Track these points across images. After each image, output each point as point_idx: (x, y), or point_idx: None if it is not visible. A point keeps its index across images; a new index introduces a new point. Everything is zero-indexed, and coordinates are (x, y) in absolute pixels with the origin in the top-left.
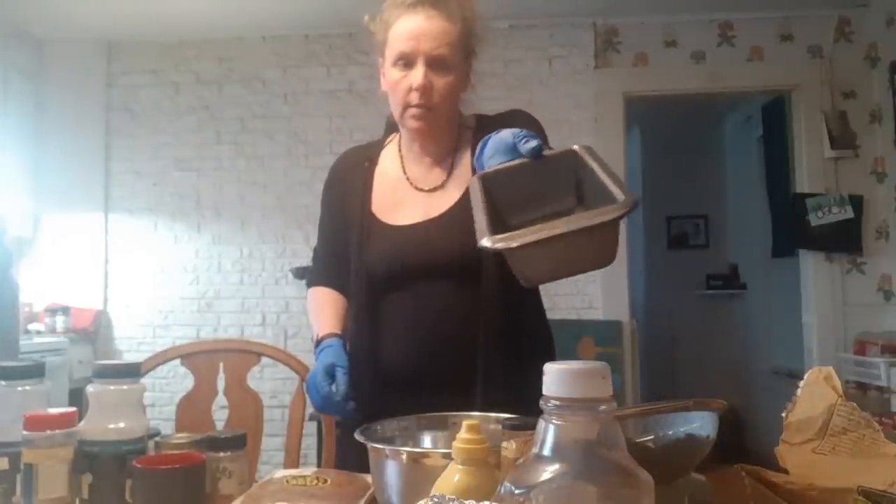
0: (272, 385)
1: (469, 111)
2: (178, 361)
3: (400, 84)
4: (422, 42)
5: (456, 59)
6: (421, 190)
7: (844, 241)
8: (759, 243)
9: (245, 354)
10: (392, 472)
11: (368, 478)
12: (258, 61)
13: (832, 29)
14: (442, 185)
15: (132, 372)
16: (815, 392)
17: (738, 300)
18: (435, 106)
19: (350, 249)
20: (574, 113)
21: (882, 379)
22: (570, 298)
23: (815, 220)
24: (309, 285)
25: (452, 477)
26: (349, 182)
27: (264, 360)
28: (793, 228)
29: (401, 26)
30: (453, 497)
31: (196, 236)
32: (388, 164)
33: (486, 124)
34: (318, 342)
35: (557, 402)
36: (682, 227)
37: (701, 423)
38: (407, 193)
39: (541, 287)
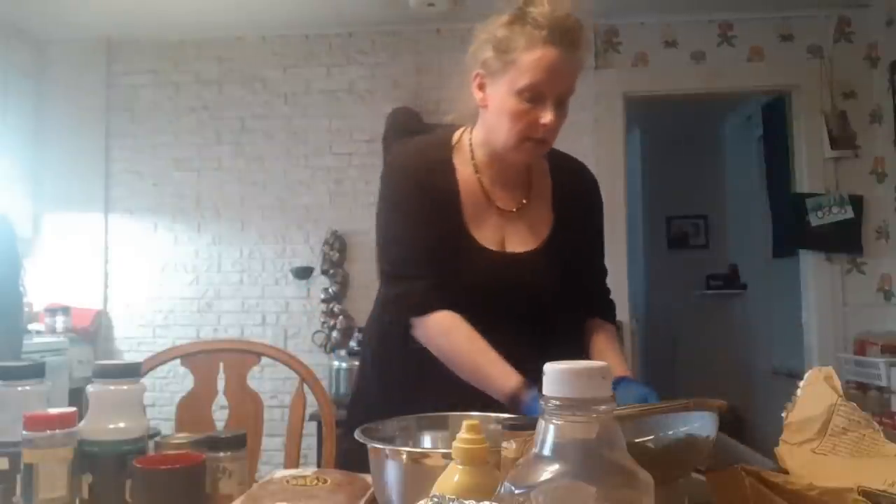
0: (272, 385)
1: (468, 112)
2: (178, 361)
3: (524, 116)
4: (557, 81)
5: (573, 93)
6: (497, 207)
7: (844, 241)
8: (759, 243)
9: (245, 354)
10: (392, 472)
11: (368, 478)
12: (258, 61)
13: (832, 29)
14: (520, 208)
15: (132, 372)
16: (815, 392)
17: (738, 300)
18: (551, 141)
19: (447, 259)
20: (574, 113)
21: (882, 379)
22: None
23: (815, 220)
24: (424, 309)
25: (452, 477)
26: (436, 182)
27: (264, 360)
28: (793, 228)
29: (538, 57)
30: (453, 497)
31: (196, 236)
32: (465, 172)
33: (560, 166)
34: (519, 395)
35: (557, 402)
36: (682, 228)
37: (701, 423)
38: (484, 208)
39: None
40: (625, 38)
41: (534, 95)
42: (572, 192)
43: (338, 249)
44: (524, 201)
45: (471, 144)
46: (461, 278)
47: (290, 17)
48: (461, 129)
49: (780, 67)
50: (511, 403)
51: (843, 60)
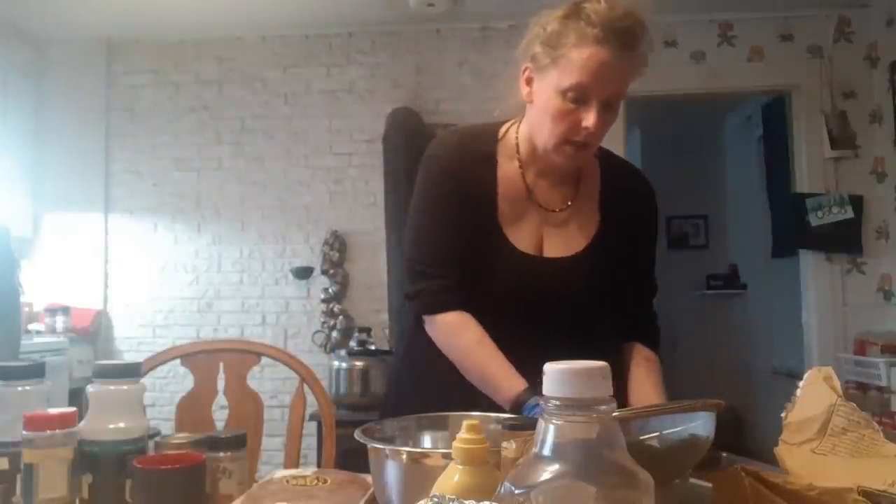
0: (272, 385)
1: (473, 112)
2: (178, 361)
3: (566, 117)
4: (605, 83)
5: (624, 97)
6: (539, 206)
7: (844, 241)
8: (759, 243)
9: (245, 354)
10: (392, 472)
11: (368, 478)
12: (258, 61)
13: (832, 29)
14: (564, 210)
15: (132, 372)
16: (815, 392)
17: (738, 300)
18: (594, 145)
19: (472, 259)
20: None
21: (882, 379)
22: None
23: (815, 220)
24: (437, 308)
25: (452, 477)
26: (471, 179)
27: (264, 360)
28: (793, 228)
29: (586, 56)
30: (453, 497)
31: (196, 236)
32: (508, 168)
33: (612, 171)
34: (522, 401)
35: (557, 402)
36: (682, 227)
37: (700, 424)
38: (525, 206)
39: None
40: None
41: (578, 96)
42: (623, 198)
43: (338, 249)
44: (569, 203)
45: (517, 139)
46: (490, 280)
47: (290, 17)
48: (509, 123)
49: (780, 67)
50: (513, 410)
51: (843, 60)
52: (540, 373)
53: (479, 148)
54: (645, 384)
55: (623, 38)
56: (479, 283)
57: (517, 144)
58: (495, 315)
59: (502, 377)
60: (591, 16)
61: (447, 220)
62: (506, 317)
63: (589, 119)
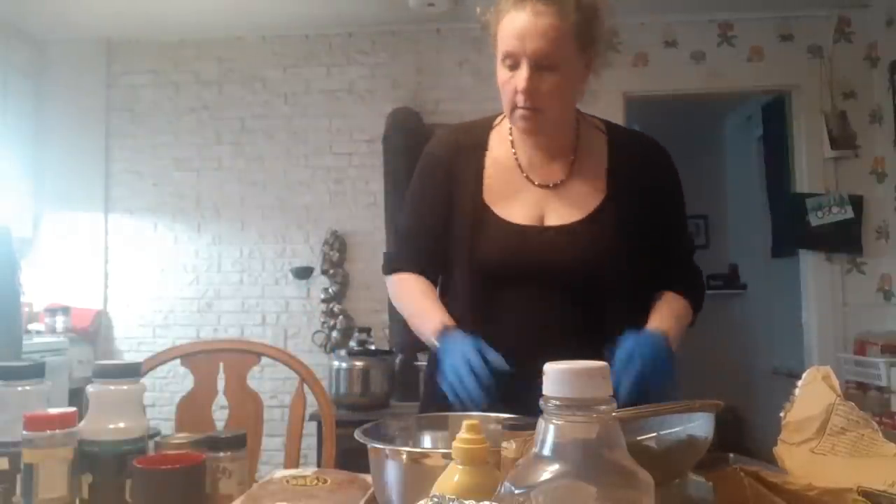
0: (272, 385)
1: (473, 112)
2: (178, 361)
3: (507, 84)
4: (527, 42)
5: (566, 56)
6: (535, 183)
7: (844, 241)
8: (759, 243)
9: (245, 354)
10: (392, 472)
11: (368, 478)
12: (258, 61)
13: (832, 29)
14: (561, 184)
15: (132, 372)
16: (814, 392)
17: (738, 300)
18: (542, 108)
19: (457, 238)
20: None
21: (882, 379)
22: None
23: (815, 220)
24: (391, 270)
25: (452, 477)
26: (458, 167)
27: (264, 360)
28: (793, 228)
29: (508, 23)
30: (453, 497)
31: (196, 236)
32: (500, 151)
33: (620, 140)
34: (441, 332)
35: (557, 402)
36: None
37: (700, 424)
38: (520, 185)
39: None
40: (625, 38)
41: (511, 62)
42: (634, 166)
43: (338, 249)
44: (561, 177)
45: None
46: (484, 252)
47: (290, 17)
48: None
49: (780, 67)
50: (438, 340)
51: (843, 60)
52: (541, 336)
53: (469, 138)
54: (659, 307)
55: None
56: (474, 255)
57: (511, 129)
58: (496, 284)
59: (430, 311)
60: None
61: (424, 201)
62: (505, 285)
63: (518, 81)
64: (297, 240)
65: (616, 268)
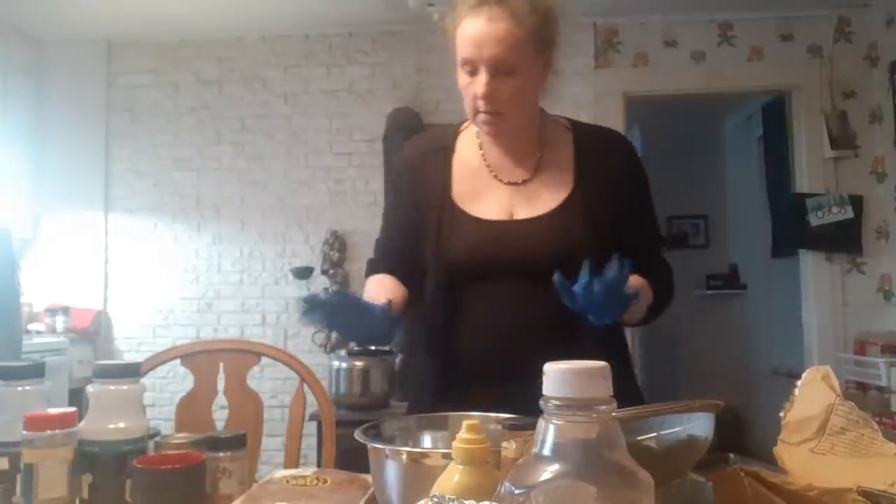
0: (272, 385)
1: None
2: (178, 361)
3: (467, 90)
4: (484, 48)
5: (524, 60)
6: (504, 182)
7: (844, 241)
8: (759, 243)
9: (245, 354)
10: (392, 472)
11: (368, 478)
12: (258, 61)
13: (832, 29)
14: (528, 181)
15: (132, 372)
16: (814, 392)
17: (738, 300)
18: (503, 111)
19: (427, 238)
20: (574, 113)
21: (882, 379)
22: None
23: (815, 220)
24: (368, 274)
25: (452, 477)
26: (425, 170)
27: (264, 360)
28: (793, 228)
29: (464, 29)
30: (453, 497)
31: (196, 236)
32: (467, 152)
33: (586, 135)
34: None
35: (557, 402)
36: (682, 227)
37: (699, 424)
38: (489, 184)
39: None
40: (625, 38)
41: (470, 68)
42: (599, 159)
43: (338, 249)
44: (528, 174)
45: None
46: (455, 249)
47: (290, 17)
48: None
49: (780, 67)
50: None
51: (843, 60)
52: (515, 331)
53: (435, 142)
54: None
55: (491, 2)
56: (445, 254)
57: (477, 132)
58: (468, 280)
59: (374, 295)
60: None
61: (395, 209)
62: (477, 281)
63: (477, 86)
64: (297, 240)
65: (585, 258)
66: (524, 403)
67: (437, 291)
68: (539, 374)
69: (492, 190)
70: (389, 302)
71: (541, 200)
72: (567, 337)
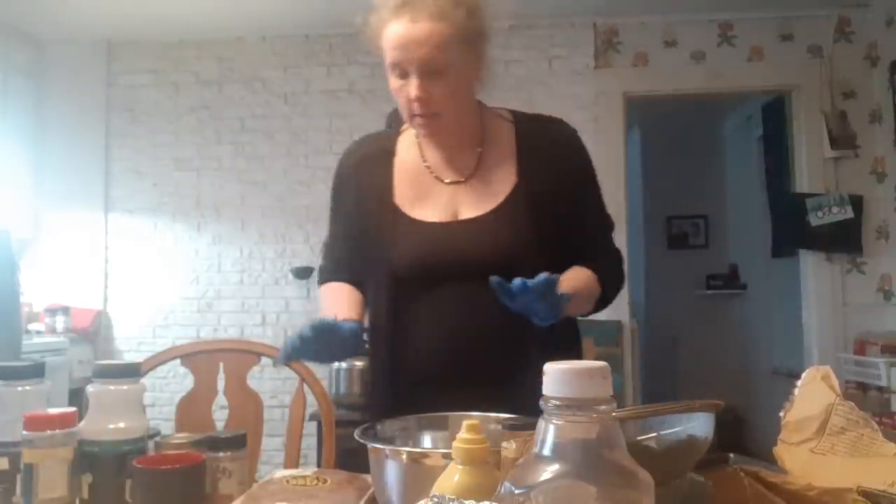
0: (272, 385)
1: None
2: (178, 361)
3: (399, 93)
4: (410, 51)
5: (454, 57)
6: (444, 182)
7: (844, 241)
8: (759, 243)
9: (245, 354)
10: (392, 472)
11: (368, 478)
12: (258, 61)
13: (832, 29)
14: (469, 178)
15: (132, 372)
16: (813, 391)
17: (738, 300)
18: (438, 112)
19: (371, 244)
20: (574, 113)
21: (882, 379)
22: None
23: (815, 220)
24: (321, 282)
25: (452, 477)
26: (366, 173)
27: (264, 360)
28: (793, 228)
29: (388, 33)
30: (453, 497)
31: (196, 236)
32: (407, 154)
33: (527, 126)
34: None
35: (557, 402)
36: (682, 227)
37: (699, 424)
38: (430, 185)
39: None
40: (625, 38)
41: (399, 72)
42: (540, 148)
43: None
44: (470, 171)
45: None
46: (400, 254)
47: (290, 17)
48: None
49: (780, 67)
50: None
51: (843, 60)
52: (464, 335)
53: (376, 146)
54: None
55: (411, 4)
56: (393, 259)
57: (416, 133)
58: (415, 285)
59: (340, 309)
60: None
61: (338, 215)
62: (424, 286)
63: (410, 90)
64: (297, 240)
65: (532, 253)
66: (476, 407)
67: (384, 298)
68: (490, 376)
69: (434, 191)
70: (360, 322)
71: (484, 198)
72: (515, 338)
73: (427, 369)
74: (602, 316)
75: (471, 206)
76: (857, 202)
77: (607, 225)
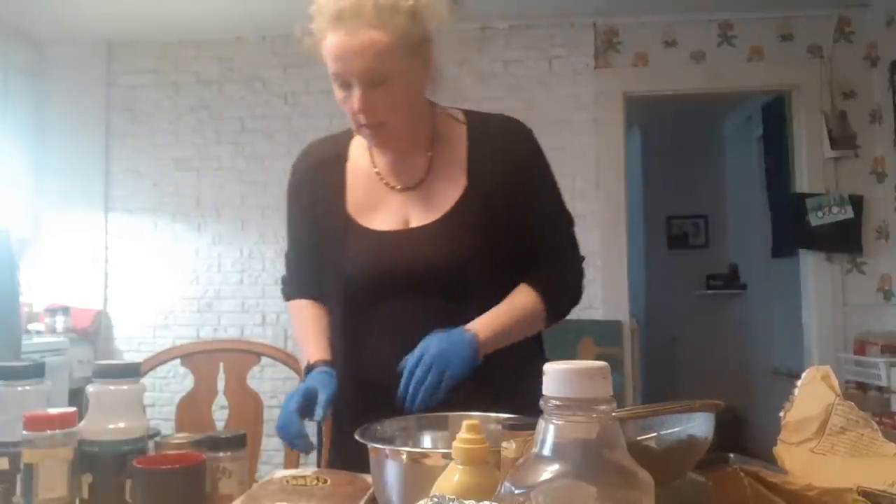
0: (272, 385)
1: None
2: (178, 361)
3: (344, 104)
4: (350, 62)
5: (396, 65)
6: (395, 188)
7: (844, 241)
8: (759, 243)
9: (245, 354)
10: (392, 472)
11: (368, 478)
12: (258, 61)
13: (832, 29)
14: (420, 183)
15: (132, 372)
16: (813, 391)
17: (738, 300)
18: (385, 121)
19: (325, 253)
20: (574, 113)
21: (882, 379)
22: None
23: (815, 220)
24: (287, 297)
25: (452, 477)
26: (319, 180)
27: (264, 360)
28: (793, 228)
29: (328, 44)
30: (453, 497)
31: (196, 236)
32: (359, 160)
33: (479, 128)
34: (309, 368)
35: (557, 402)
36: (682, 227)
37: (700, 424)
38: (381, 193)
39: None
40: (625, 38)
41: (340, 83)
42: (491, 150)
43: None
44: (421, 177)
45: None
46: (353, 265)
47: (290, 17)
48: None
49: (780, 67)
50: (306, 373)
51: (843, 60)
52: (417, 339)
53: (329, 150)
54: (496, 308)
55: (349, 13)
56: (344, 270)
57: None
58: (360, 297)
59: (307, 345)
60: (324, 4)
61: (295, 225)
62: (379, 297)
63: (354, 102)
64: None
65: (482, 261)
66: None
67: (340, 310)
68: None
69: (386, 198)
70: (329, 364)
71: (435, 204)
72: None
73: (383, 379)
74: (602, 316)
75: (421, 213)
76: (857, 202)
77: (561, 229)
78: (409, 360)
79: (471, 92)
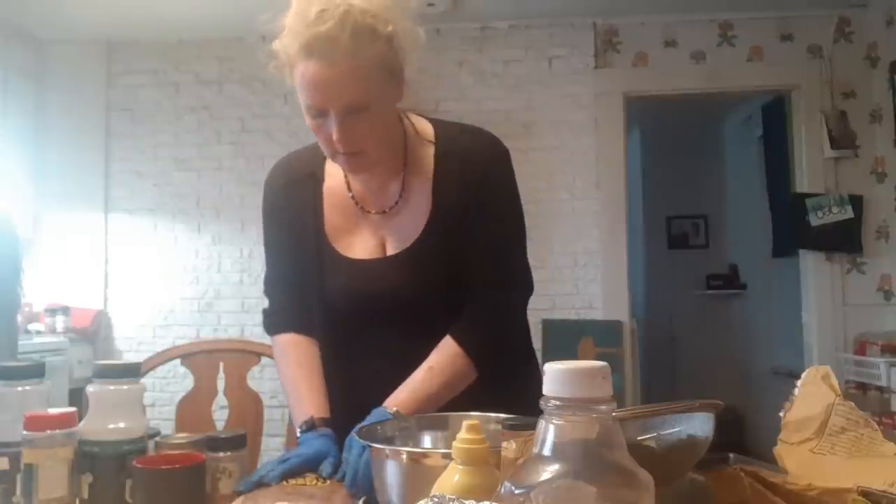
0: (272, 385)
1: (473, 112)
2: (178, 361)
3: (319, 133)
4: (328, 93)
5: (375, 92)
6: (370, 212)
7: (844, 241)
8: (759, 243)
9: (245, 354)
10: (392, 472)
11: None
12: (258, 61)
13: (832, 29)
14: (395, 206)
15: (132, 372)
16: (813, 391)
17: (738, 300)
18: (362, 149)
19: (307, 283)
20: (574, 113)
21: (882, 379)
22: (570, 298)
23: (815, 220)
24: (271, 330)
25: (452, 477)
26: (295, 200)
27: (264, 360)
28: (793, 228)
29: (301, 73)
30: (453, 497)
31: (196, 236)
32: (334, 182)
33: (445, 148)
34: (306, 427)
35: (557, 402)
36: (682, 227)
37: (700, 424)
38: (357, 217)
39: (539, 286)
40: (625, 38)
41: (315, 112)
42: (454, 175)
43: None
44: (395, 200)
45: None
46: (328, 293)
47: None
48: None
49: (780, 67)
50: (300, 430)
51: (843, 60)
52: (397, 376)
53: (304, 168)
54: (407, 383)
55: (324, 43)
56: (324, 298)
57: None
58: (340, 325)
59: (303, 399)
60: (292, 29)
61: (274, 248)
62: (351, 324)
63: (332, 132)
64: None
65: (449, 291)
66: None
67: (324, 337)
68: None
69: (361, 222)
70: (328, 430)
71: (406, 230)
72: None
73: (370, 402)
74: (602, 316)
75: (395, 239)
76: (857, 202)
77: (502, 263)
78: (345, 451)
79: (471, 92)
